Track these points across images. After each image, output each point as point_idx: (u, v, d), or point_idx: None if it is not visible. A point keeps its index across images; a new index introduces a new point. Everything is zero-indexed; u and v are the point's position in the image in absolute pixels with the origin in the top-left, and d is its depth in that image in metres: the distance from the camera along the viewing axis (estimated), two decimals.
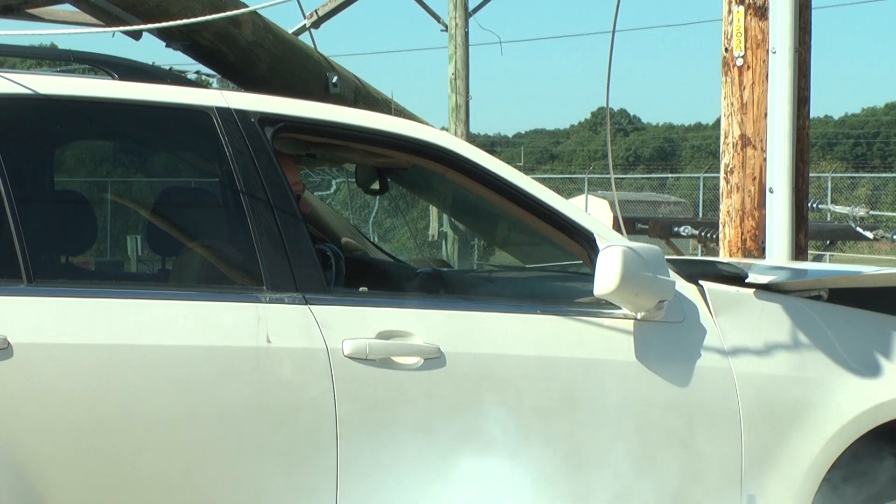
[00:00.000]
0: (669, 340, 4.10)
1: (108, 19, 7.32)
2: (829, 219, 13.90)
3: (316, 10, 12.05)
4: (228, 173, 3.88)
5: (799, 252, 5.80)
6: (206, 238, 4.09)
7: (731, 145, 5.87)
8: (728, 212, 5.89)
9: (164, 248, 4.47)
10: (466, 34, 15.94)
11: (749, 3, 5.80)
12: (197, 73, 8.87)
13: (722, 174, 5.93)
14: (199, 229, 4.14)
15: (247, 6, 7.21)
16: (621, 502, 4.02)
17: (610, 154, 6.21)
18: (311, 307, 3.78)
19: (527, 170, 37.63)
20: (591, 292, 3.97)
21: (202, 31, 7.32)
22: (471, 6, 16.11)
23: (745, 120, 5.82)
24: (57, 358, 3.48)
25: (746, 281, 4.31)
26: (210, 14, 6.35)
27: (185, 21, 5.73)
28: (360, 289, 4.10)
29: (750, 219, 5.83)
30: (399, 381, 3.78)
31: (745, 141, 5.82)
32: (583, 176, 32.78)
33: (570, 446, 3.95)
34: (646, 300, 3.98)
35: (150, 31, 7.15)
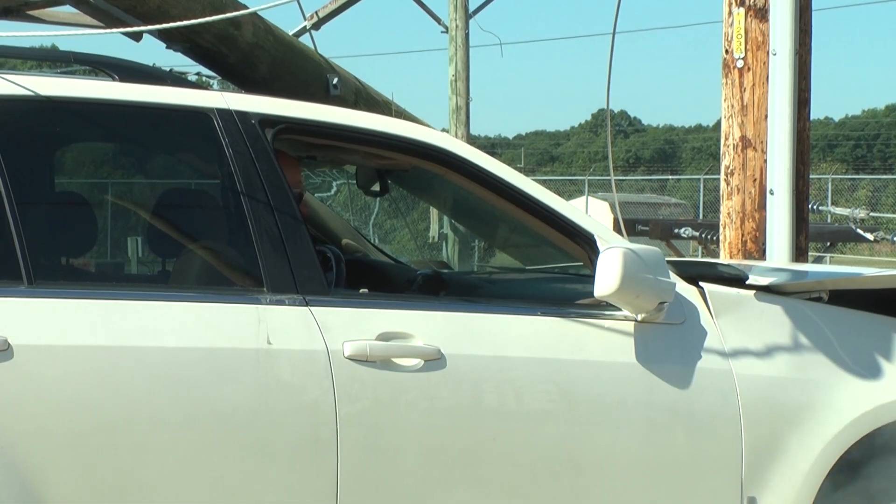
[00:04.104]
0: (670, 342, 4.10)
1: (109, 21, 7.32)
2: (829, 220, 13.89)
3: (316, 12, 12.08)
4: (229, 175, 3.88)
5: (799, 254, 5.80)
6: (207, 240, 4.09)
7: (731, 147, 5.87)
8: (728, 213, 5.89)
9: (165, 250, 4.47)
10: (467, 36, 15.95)
11: (749, 5, 5.80)
12: (197, 74, 8.89)
13: (722, 176, 5.93)
14: (199, 231, 4.14)
15: (247, 8, 7.21)
16: None
17: (610, 156, 6.21)
18: (312, 309, 3.78)
19: (527, 171, 37.62)
20: (591, 294, 3.97)
21: (203, 32, 7.32)
22: (471, 7, 16.11)
23: (746, 122, 5.82)
24: (57, 359, 3.48)
25: (747, 283, 4.31)
26: (210, 15, 6.34)
27: (185, 22, 5.73)
28: (361, 290, 4.10)
29: (750, 220, 5.82)
30: (399, 382, 3.78)
31: (745, 143, 5.82)
32: (583, 177, 32.79)
33: (569, 448, 3.95)
34: (646, 302, 3.98)
35: (150, 32, 7.15)
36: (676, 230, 11.41)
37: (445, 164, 4.21)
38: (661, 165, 59.96)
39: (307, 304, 3.78)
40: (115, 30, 6.16)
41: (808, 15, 5.83)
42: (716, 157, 7.17)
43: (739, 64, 5.83)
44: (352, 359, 3.74)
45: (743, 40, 5.81)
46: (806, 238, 5.89)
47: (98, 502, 3.49)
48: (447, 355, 3.84)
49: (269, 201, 3.86)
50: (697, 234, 11.14)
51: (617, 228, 5.88)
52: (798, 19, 5.71)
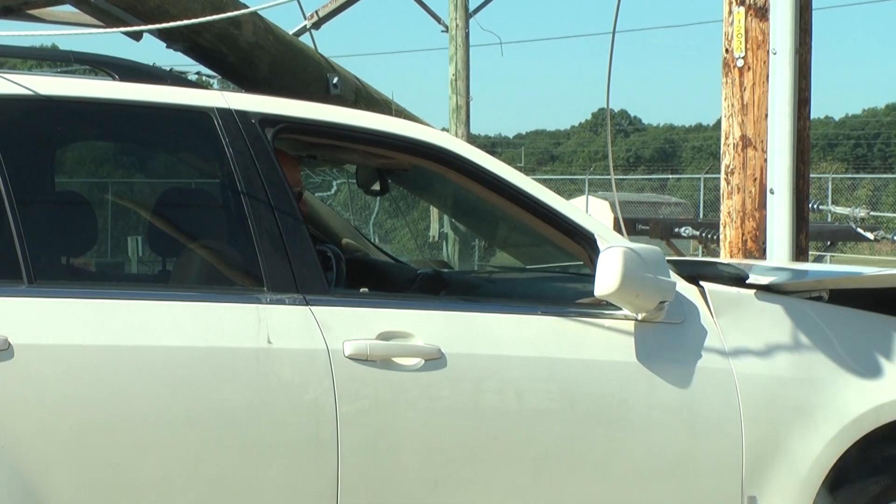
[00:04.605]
0: (670, 341, 4.10)
1: (109, 20, 7.33)
2: (829, 220, 13.89)
3: (316, 11, 12.07)
4: (229, 174, 3.88)
5: (799, 253, 5.80)
6: (207, 239, 4.09)
7: (731, 146, 5.87)
8: (729, 213, 5.89)
9: (165, 249, 4.47)
10: (467, 35, 15.94)
11: (750, 4, 5.80)
12: (198, 73, 8.89)
13: (722, 175, 5.93)
14: (199, 230, 4.14)
15: (247, 7, 7.22)
16: None
17: (611, 155, 6.21)
18: (312, 308, 3.78)
19: (527, 171, 37.63)
20: (591, 293, 3.97)
21: (203, 31, 7.33)
22: (471, 7, 16.11)
23: (746, 121, 5.82)
24: (57, 359, 3.48)
25: (747, 282, 4.31)
26: (210, 15, 6.35)
27: (185, 22, 5.73)
28: (361, 290, 4.10)
29: (750, 220, 5.82)
30: (400, 382, 3.78)
31: (745, 142, 5.82)
32: (583, 177, 32.79)
33: (570, 448, 3.95)
34: (646, 301, 3.98)
35: (150, 31, 7.15)
36: (677, 229, 11.41)
37: (446, 163, 4.21)
38: (662, 165, 59.98)
39: (307, 304, 3.78)
40: (115, 29, 6.16)
41: (809, 14, 5.83)
42: (716, 156, 7.17)
43: (740, 63, 5.83)
44: (352, 358, 3.74)
45: (743, 39, 5.81)
46: (806, 237, 5.89)
47: (98, 501, 3.49)
48: (447, 355, 3.84)
49: (269, 201, 3.86)
50: (698, 233, 11.14)
51: (617, 228, 5.88)
52: (798, 18, 5.70)
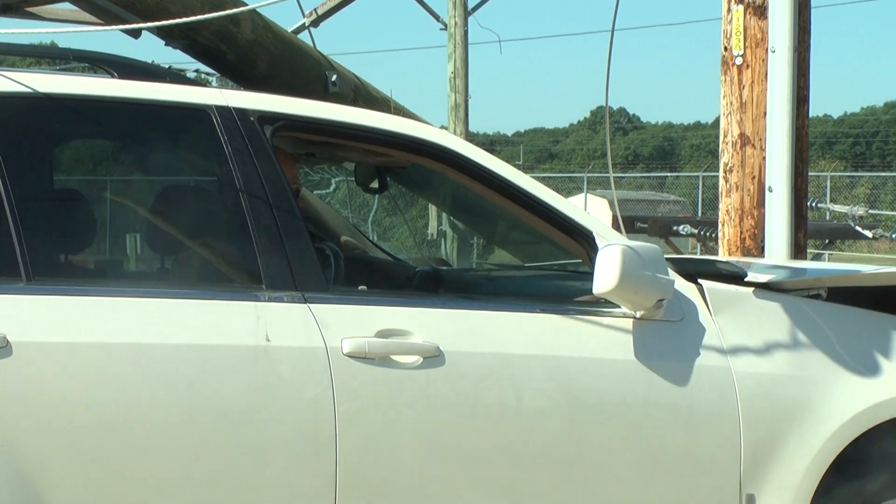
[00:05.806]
0: (668, 339, 4.10)
1: (108, 18, 7.32)
2: (828, 218, 13.90)
3: (315, 9, 12.06)
4: (228, 172, 3.88)
5: (798, 251, 5.80)
6: (206, 237, 4.09)
7: (730, 144, 5.87)
8: (727, 211, 5.89)
9: (164, 247, 4.47)
10: (466, 33, 15.96)
11: (748, 2, 5.79)
12: (196, 71, 8.88)
13: (721, 173, 5.93)
14: (198, 228, 4.14)
15: (246, 4, 7.22)
16: (620, 502, 4.03)
17: (609, 153, 6.21)
18: (311, 306, 3.78)
19: (526, 168, 37.64)
20: (590, 291, 3.97)
21: (201, 29, 7.32)
22: (470, 5, 16.13)
23: (745, 119, 5.82)
24: (56, 357, 3.48)
25: (746, 280, 4.31)
26: (209, 12, 6.35)
27: (184, 20, 5.73)
28: (360, 287, 4.10)
29: (749, 218, 5.83)
30: (398, 379, 3.78)
31: (744, 140, 5.82)
32: (582, 175, 32.79)
33: (568, 445, 3.95)
34: (645, 299, 3.98)
35: (149, 29, 7.15)
36: (675, 227, 11.43)
37: (444, 161, 4.21)
38: (660, 163, 60.00)
39: (306, 301, 3.78)
40: (114, 27, 6.15)
41: (808, 12, 5.83)
42: (715, 154, 7.18)
43: (738, 61, 5.83)
44: (350, 356, 3.75)
45: (742, 37, 5.81)
46: (804, 235, 5.89)
47: (97, 499, 3.50)
48: (446, 352, 3.84)
49: (267, 198, 3.86)
50: (696, 231, 11.16)
51: (616, 226, 5.88)
52: (797, 17, 5.70)
